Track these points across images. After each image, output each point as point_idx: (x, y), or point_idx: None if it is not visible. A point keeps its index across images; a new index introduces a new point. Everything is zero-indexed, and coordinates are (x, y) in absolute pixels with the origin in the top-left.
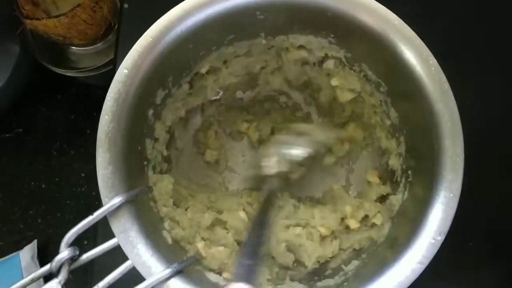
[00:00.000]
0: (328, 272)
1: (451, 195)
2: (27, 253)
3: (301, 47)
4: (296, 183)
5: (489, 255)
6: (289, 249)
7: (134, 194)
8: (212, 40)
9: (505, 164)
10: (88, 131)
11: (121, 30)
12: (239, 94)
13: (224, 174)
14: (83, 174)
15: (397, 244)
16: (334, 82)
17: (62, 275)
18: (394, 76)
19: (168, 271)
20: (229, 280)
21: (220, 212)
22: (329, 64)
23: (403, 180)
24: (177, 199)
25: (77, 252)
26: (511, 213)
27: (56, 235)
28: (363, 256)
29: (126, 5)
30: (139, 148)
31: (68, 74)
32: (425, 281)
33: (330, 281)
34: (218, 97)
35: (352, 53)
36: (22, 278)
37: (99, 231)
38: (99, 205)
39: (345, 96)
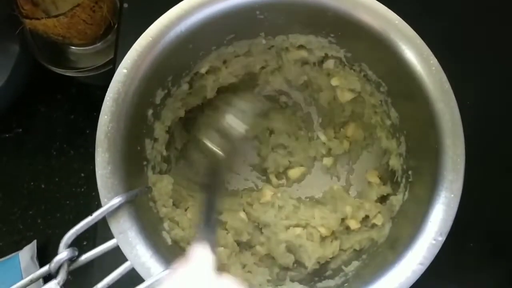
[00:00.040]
0: (328, 272)
1: (452, 195)
2: (26, 253)
3: (301, 46)
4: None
5: (489, 255)
6: (289, 249)
7: (134, 194)
8: (211, 40)
9: (505, 164)
10: (88, 131)
11: (121, 30)
12: None
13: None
14: (83, 174)
15: (397, 245)
16: (334, 82)
17: (61, 276)
18: (395, 76)
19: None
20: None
21: (219, 212)
22: (329, 64)
23: (403, 180)
24: (176, 200)
25: (76, 253)
26: (511, 213)
27: (56, 236)
28: (364, 256)
29: (125, 5)
30: (139, 148)
31: (67, 74)
32: (425, 281)
33: (330, 282)
34: None
35: (352, 52)
36: (22, 278)
37: (99, 231)
38: (99, 205)
39: (345, 96)
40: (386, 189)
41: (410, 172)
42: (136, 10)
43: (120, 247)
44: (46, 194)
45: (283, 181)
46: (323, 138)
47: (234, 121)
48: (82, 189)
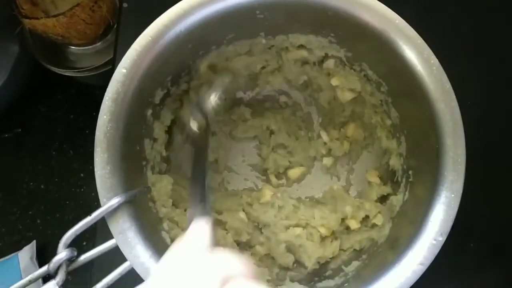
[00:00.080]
0: (328, 272)
1: (453, 195)
2: (26, 253)
3: (301, 46)
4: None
5: (489, 255)
6: (289, 249)
7: (133, 194)
8: (211, 39)
9: (506, 164)
10: (87, 131)
11: (120, 30)
12: (239, 94)
13: (223, 174)
14: (82, 174)
15: (398, 245)
16: (334, 81)
17: (60, 276)
18: (395, 75)
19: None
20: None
21: (219, 212)
22: (329, 63)
23: (404, 180)
24: (176, 200)
25: (75, 253)
26: (511, 213)
27: (55, 236)
28: (364, 256)
29: (125, 5)
30: (138, 148)
31: (67, 74)
32: (425, 281)
33: (330, 282)
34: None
35: (353, 52)
36: (21, 278)
37: (98, 232)
38: (98, 205)
39: (345, 96)
40: (386, 189)
41: (410, 172)
42: (136, 10)
43: (120, 247)
44: (46, 194)
45: (283, 181)
46: (323, 138)
47: (209, 97)
48: (82, 190)
